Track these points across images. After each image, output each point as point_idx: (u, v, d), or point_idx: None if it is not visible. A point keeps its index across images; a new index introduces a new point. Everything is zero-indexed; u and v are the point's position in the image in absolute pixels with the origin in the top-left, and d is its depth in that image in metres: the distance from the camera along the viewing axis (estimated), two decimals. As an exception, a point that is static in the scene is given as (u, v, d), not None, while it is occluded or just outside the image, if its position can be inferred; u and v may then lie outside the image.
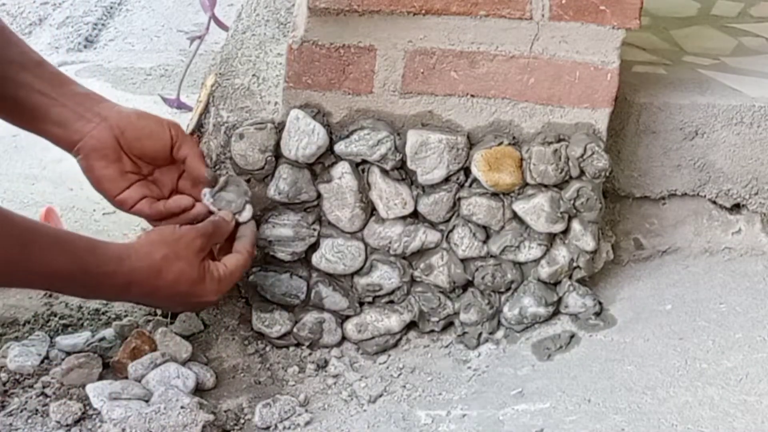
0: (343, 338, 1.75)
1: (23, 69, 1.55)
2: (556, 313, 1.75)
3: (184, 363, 1.62)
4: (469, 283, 1.74)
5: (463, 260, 1.71)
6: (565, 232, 1.71)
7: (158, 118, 1.61)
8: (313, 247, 1.70)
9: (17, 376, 1.60)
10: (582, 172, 1.67)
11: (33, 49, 1.59)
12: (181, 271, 1.47)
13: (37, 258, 1.37)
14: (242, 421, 1.58)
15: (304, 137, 1.63)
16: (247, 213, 1.61)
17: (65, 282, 1.42)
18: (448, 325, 1.77)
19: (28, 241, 1.37)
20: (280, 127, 1.65)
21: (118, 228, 2.01)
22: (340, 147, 1.65)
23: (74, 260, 1.40)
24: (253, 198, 1.63)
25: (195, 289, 1.49)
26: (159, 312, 1.72)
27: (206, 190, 1.60)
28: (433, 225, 1.71)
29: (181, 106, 2.45)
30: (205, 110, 1.74)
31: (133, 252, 1.47)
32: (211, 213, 1.59)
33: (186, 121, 1.84)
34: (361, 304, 1.74)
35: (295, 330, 1.73)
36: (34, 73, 1.55)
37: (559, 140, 1.67)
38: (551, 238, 1.72)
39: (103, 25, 3.10)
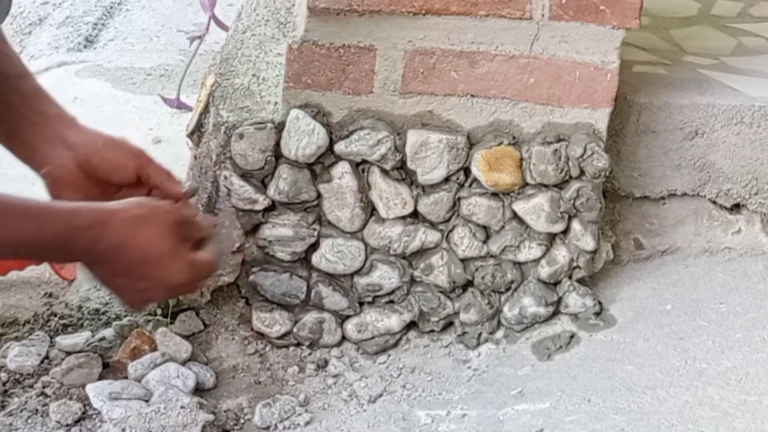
0: (343, 338, 1.75)
1: (4, 81, 1.52)
2: (556, 313, 1.75)
3: (184, 363, 1.62)
4: (469, 283, 1.74)
5: (463, 260, 1.71)
6: (565, 232, 1.71)
7: (124, 147, 1.53)
8: (313, 247, 1.70)
9: (17, 376, 1.60)
10: (582, 172, 1.67)
11: (21, 62, 1.54)
12: (153, 236, 1.40)
13: (5, 228, 1.33)
14: (242, 421, 1.58)
15: (304, 137, 1.63)
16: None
17: (34, 247, 1.36)
18: (448, 325, 1.77)
19: None
20: (280, 127, 1.65)
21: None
22: (340, 147, 1.65)
23: (41, 226, 1.35)
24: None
25: (163, 260, 1.42)
26: (159, 312, 1.72)
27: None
28: (433, 225, 1.71)
29: (181, 106, 2.45)
30: (205, 110, 1.74)
31: (105, 206, 1.42)
32: None
33: (186, 121, 1.84)
34: (361, 304, 1.74)
35: (295, 330, 1.73)
36: (12, 86, 1.52)
37: (559, 140, 1.67)
38: (551, 238, 1.72)
39: (103, 25, 3.10)
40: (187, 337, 1.68)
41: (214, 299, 1.74)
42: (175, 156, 2.25)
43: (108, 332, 1.68)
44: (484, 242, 1.70)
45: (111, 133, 2.30)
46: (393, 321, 1.74)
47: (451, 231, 1.70)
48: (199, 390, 1.61)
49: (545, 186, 1.68)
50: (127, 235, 1.39)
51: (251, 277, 1.71)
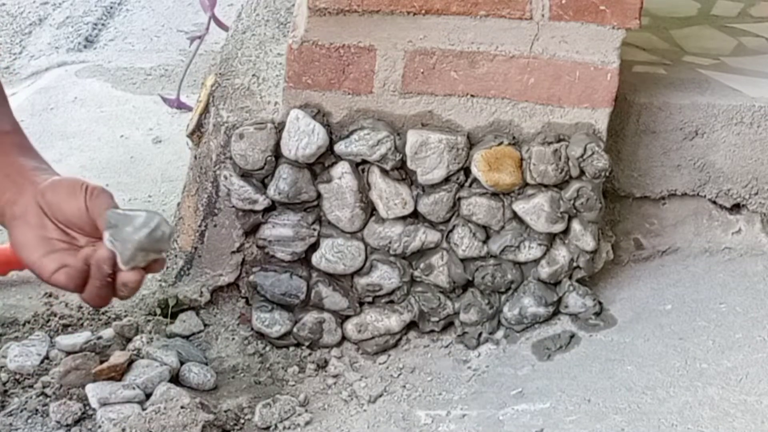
0: (343, 338, 1.75)
1: None
2: (556, 313, 1.75)
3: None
4: (469, 283, 1.74)
5: (463, 260, 1.71)
6: (565, 232, 1.71)
7: (78, 182, 1.37)
8: (313, 247, 1.70)
9: (17, 376, 1.60)
10: (582, 172, 1.67)
11: (8, 117, 1.46)
12: None
13: None
14: (242, 421, 1.58)
15: (304, 137, 1.63)
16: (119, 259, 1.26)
17: None
18: (448, 325, 1.77)
19: None
20: (280, 127, 1.65)
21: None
22: (340, 147, 1.65)
23: None
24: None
25: None
26: (159, 311, 1.72)
27: (104, 235, 1.30)
28: (433, 225, 1.71)
29: (181, 106, 2.45)
30: (205, 110, 1.74)
31: None
32: None
33: (186, 121, 1.84)
34: (361, 304, 1.74)
35: (295, 330, 1.73)
36: None
37: (559, 140, 1.67)
38: (551, 238, 1.72)
39: (103, 25, 3.10)
40: (187, 337, 1.68)
41: (214, 299, 1.74)
42: (175, 156, 2.26)
43: (108, 332, 1.68)
44: (484, 242, 1.70)
45: (111, 132, 2.28)
46: (393, 321, 1.74)
47: (451, 231, 1.70)
48: (199, 390, 1.60)
49: (545, 186, 1.68)
50: None
51: (251, 277, 1.71)
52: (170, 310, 1.72)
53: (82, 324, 1.72)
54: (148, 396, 1.55)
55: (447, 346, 1.76)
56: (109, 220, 1.27)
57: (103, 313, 1.74)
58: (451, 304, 1.74)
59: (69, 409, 1.53)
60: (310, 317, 1.73)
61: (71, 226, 1.36)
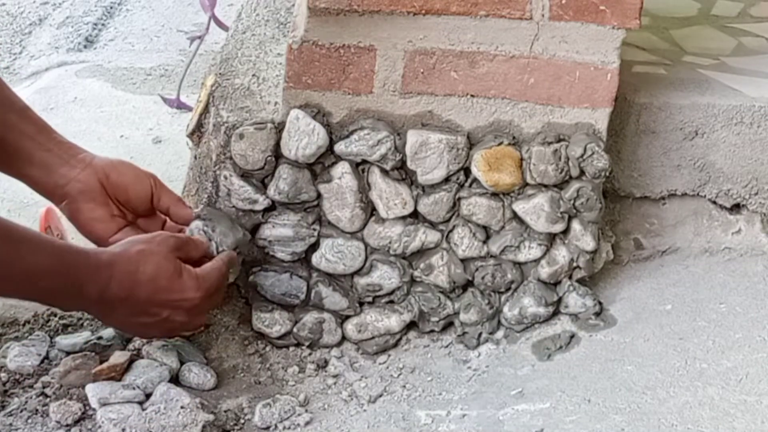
0: (343, 338, 1.75)
1: (11, 111, 1.54)
2: (556, 313, 1.75)
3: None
4: (469, 283, 1.74)
5: (463, 260, 1.71)
6: (565, 232, 1.71)
7: (138, 167, 1.61)
8: (313, 247, 1.70)
9: (17, 376, 1.60)
10: (582, 172, 1.67)
11: (18, 95, 1.58)
12: (157, 265, 1.46)
13: (26, 256, 1.36)
14: (242, 421, 1.58)
15: (304, 137, 1.63)
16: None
17: (51, 283, 1.39)
18: (448, 325, 1.77)
19: (15, 240, 1.36)
20: (280, 127, 1.65)
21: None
22: (340, 147, 1.65)
23: (59, 258, 1.39)
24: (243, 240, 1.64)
25: (174, 284, 1.48)
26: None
27: (194, 224, 1.59)
28: (433, 225, 1.71)
29: (181, 106, 2.45)
30: (205, 110, 1.74)
31: (108, 249, 1.47)
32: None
33: (186, 121, 1.84)
34: (361, 304, 1.74)
35: (295, 330, 1.73)
36: (21, 116, 1.54)
37: (559, 140, 1.67)
38: (551, 238, 1.72)
39: (103, 25, 3.10)
40: (187, 338, 1.68)
41: (214, 299, 1.74)
42: (175, 156, 2.26)
43: (107, 332, 1.68)
44: (484, 242, 1.70)
45: (111, 132, 2.31)
46: (393, 321, 1.74)
47: (451, 231, 1.70)
48: (199, 390, 1.61)
49: (545, 186, 1.68)
50: (133, 273, 1.43)
51: (251, 277, 1.71)
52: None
53: (82, 324, 1.72)
54: (148, 396, 1.55)
55: (447, 346, 1.76)
56: (203, 213, 1.57)
57: (103, 313, 1.74)
58: (451, 304, 1.74)
59: (69, 409, 1.53)
60: (310, 317, 1.73)
61: (126, 205, 1.56)
